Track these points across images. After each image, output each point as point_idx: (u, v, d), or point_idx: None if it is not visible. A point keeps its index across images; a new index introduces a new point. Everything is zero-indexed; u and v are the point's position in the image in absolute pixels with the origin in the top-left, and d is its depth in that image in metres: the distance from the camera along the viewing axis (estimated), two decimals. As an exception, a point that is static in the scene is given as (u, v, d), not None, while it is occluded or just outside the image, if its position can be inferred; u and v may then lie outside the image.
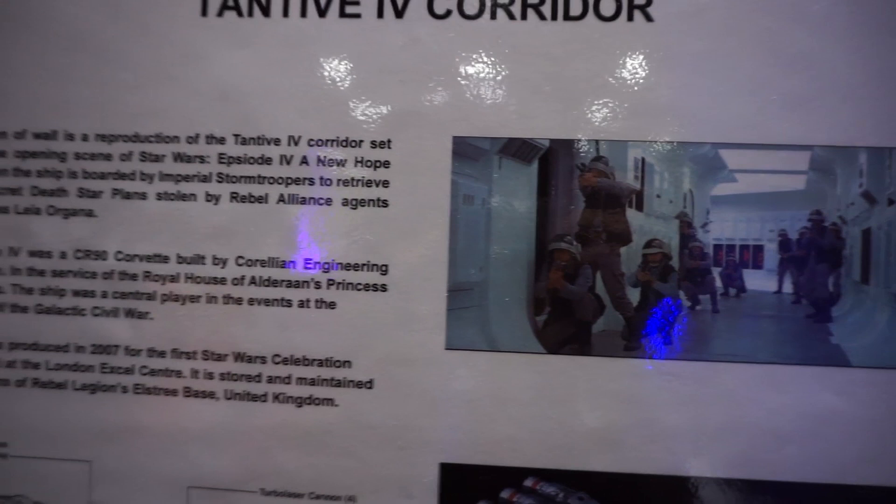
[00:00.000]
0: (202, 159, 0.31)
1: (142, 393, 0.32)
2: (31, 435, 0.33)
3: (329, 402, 0.31)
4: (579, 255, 0.30)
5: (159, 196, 0.32)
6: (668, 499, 0.30)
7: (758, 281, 0.30)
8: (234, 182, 0.31)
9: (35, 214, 0.32)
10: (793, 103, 0.30)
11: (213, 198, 0.32)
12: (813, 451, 0.30)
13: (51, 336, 0.32)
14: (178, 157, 0.32)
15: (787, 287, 0.30)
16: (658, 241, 0.30)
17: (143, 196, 0.32)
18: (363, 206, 0.31)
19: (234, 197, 0.31)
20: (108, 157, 0.32)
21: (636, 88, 0.30)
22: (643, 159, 0.30)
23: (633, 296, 0.30)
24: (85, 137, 0.32)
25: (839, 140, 0.29)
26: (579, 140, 0.30)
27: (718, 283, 0.30)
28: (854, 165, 0.29)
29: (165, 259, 0.32)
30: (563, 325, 0.31)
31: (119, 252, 0.32)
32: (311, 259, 0.31)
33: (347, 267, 0.31)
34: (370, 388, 0.31)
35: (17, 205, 0.32)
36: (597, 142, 0.30)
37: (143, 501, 0.32)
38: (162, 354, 0.32)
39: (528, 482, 0.31)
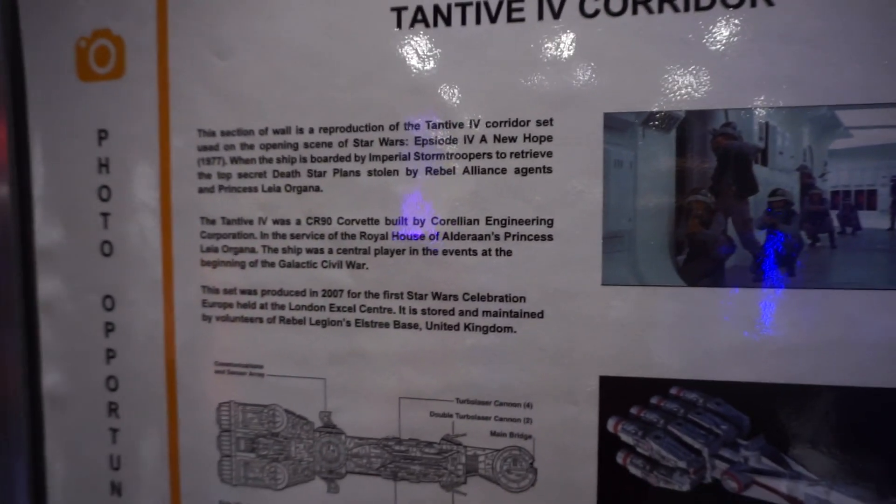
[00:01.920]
0: (402, 142, 0.40)
1: (361, 326, 0.42)
2: (280, 359, 0.43)
3: (509, 329, 0.40)
4: (713, 204, 0.37)
5: (370, 173, 0.41)
6: (792, 404, 0.37)
7: (872, 220, 0.35)
8: (427, 159, 0.40)
9: (276, 192, 0.43)
10: (901, 67, 0.35)
11: (411, 172, 0.40)
12: (925, 362, 0.35)
13: (292, 284, 0.43)
14: (384, 142, 0.40)
15: (899, 224, 0.35)
16: (781, 190, 0.36)
17: (357, 174, 0.41)
18: (531, 172, 0.39)
19: (428, 171, 0.40)
20: (329, 144, 0.41)
21: (759, 63, 0.36)
22: (767, 123, 0.36)
23: (760, 237, 0.37)
24: (311, 130, 0.42)
25: (945, 96, 0.34)
26: (711, 109, 0.37)
27: (836, 223, 0.36)
28: (959, 117, 0.34)
29: (376, 222, 0.41)
30: (700, 262, 0.37)
31: (340, 217, 0.42)
32: (490, 216, 0.39)
33: (520, 222, 0.39)
34: (541, 317, 0.39)
35: (263, 185, 0.43)
36: (726, 110, 0.36)
37: (365, 409, 0.42)
38: (376, 296, 0.42)
39: (673, 390, 0.38)
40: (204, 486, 0.45)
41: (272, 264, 0.43)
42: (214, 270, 0.44)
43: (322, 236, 0.42)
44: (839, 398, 0.36)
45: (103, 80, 0.45)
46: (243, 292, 0.44)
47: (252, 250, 0.43)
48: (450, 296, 0.40)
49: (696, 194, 0.37)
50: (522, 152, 0.39)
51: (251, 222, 0.43)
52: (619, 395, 0.39)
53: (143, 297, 0.45)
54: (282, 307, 0.43)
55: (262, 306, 0.43)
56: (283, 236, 0.43)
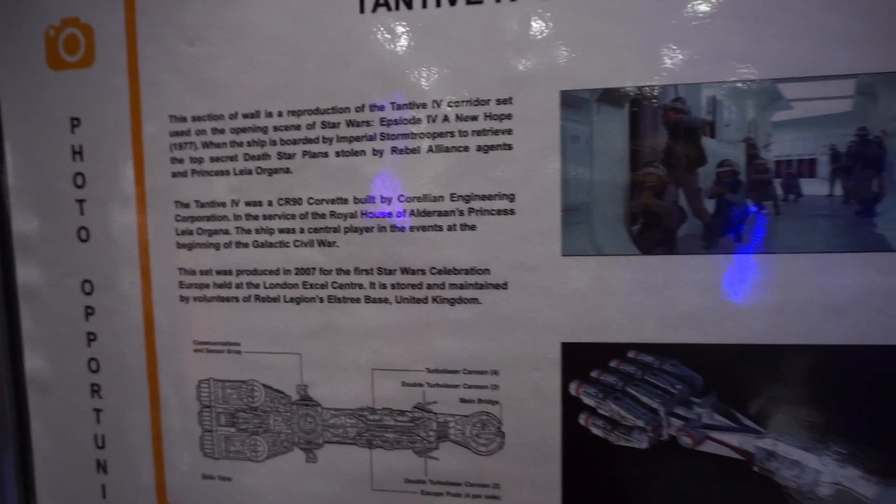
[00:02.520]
0: (368, 124, 0.42)
1: (334, 302, 0.43)
2: (256, 336, 0.45)
3: (474, 301, 0.41)
4: (665, 176, 0.39)
5: (338, 154, 0.42)
6: (741, 363, 0.39)
7: (813, 188, 0.37)
8: (393, 139, 0.41)
9: (248, 175, 0.44)
10: (841, 40, 0.36)
11: (378, 152, 0.42)
12: (861, 320, 0.37)
13: (265, 263, 0.44)
14: (350, 123, 0.42)
15: (838, 191, 0.37)
16: (728, 160, 0.38)
17: (325, 155, 0.42)
18: (493, 150, 0.40)
19: (394, 150, 0.41)
20: (297, 127, 0.43)
21: (708, 40, 0.37)
22: (714, 97, 0.38)
23: (710, 206, 0.39)
24: (280, 114, 0.43)
25: (881, 66, 0.36)
26: (662, 85, 0.38)
27: (780, 191, 0.38)
28: (893, 87, 0.36)
29: (345, 201, 0.43)
30: (654, 232, 0.39)
31: (311, 198, 0.43)
32: (455, 193, 0.41)
33: (483, 197, 0.41)
34: (505, 288, 0.41)
35: (235, 168, 0.44)
36: (675, 86, 0.38)
37: (339, 381, 0.44)
38: (347, 272, 0.43)
39: (630, 353, 0.40)
40: (187, 460, 0.47)
41: (246, 245, 0.44)
42: (190, 252, 0.45)
43: (293, 216, 0.43)
44: (785, 356, 0.38)
45: (74, 68, 0.46)
46: (219, 273, 0.45)
47: (226, 232, 0.45)
48: (417, 270, 0.42)
49: (648, 167, 0.39)
50: (484, 130, 0.40)
51: (224, 205, 0.44)
52: (580, 359, 0.41)
53: (122, 280, 0.47)
54: (256, 286, 0.44)
55: (238, 286, 0.45)
56: (256, 217, 0.44)
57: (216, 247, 0.45)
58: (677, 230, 0.39)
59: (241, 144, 0.44)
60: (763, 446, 0.39)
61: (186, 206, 0.45)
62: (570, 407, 0.41)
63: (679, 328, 0.39)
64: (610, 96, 0.39)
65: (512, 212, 0.40)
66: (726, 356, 0.39)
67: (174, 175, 0.45)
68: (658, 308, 0.39)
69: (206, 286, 0.45)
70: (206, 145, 0.44)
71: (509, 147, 0.40)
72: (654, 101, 0.38)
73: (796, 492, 0.39)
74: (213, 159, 0.44)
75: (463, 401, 0.42)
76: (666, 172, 0.39)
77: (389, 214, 0.42)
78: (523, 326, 0.41)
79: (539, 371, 0.41)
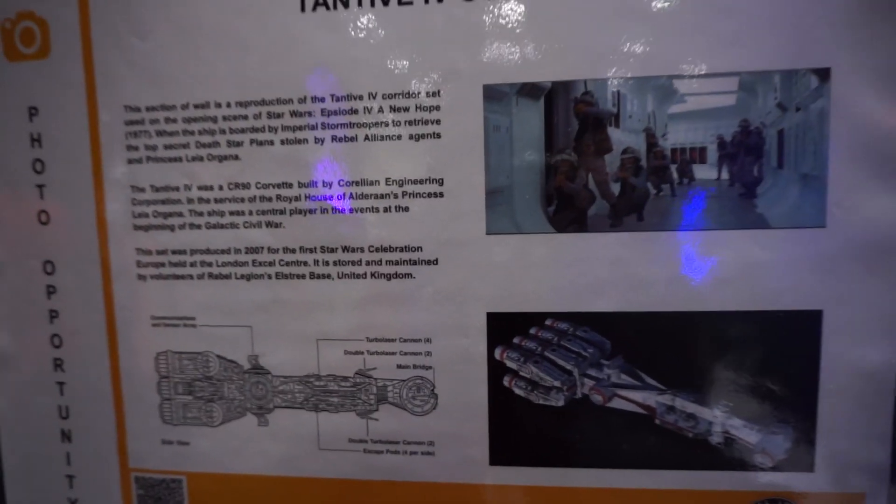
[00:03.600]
0: (310, 114, 0.45)
1: (281, 278, 0.47)
2: (210, 311, 0.49)
3: (409, 275, 0.46)
4: (576, 161, 0.43)
5: (282, 142, 0.46)
6: (644, 329, 0.44)
7: (703, 172, 0.42)
8: (333, 129, 0.45)
9: (199, 161, 0.47)
10: (725, 41, 0.41)
11: (319, 140, 0.45)
12: (743, 288, 0.43)
13: (217, 243, 0.48)
14: (293, 114, 0.45)
15: (725, 175, 0.42)
16: (631, 148, 0.43)
17: (271, 143, 0.46)
18: (423, 138, 0.44)
19: (334, 139, 0.45)
20: (245, 117, 0.46)
21: (613, 38, 0.42)
22: (618, 91, 0.43)
23: (615, 189, 0.43)
24: (228, 104, 0.46)
25: (759, 66, 0.41)
26: (572, 80, 0.43)
27: (675, 175, 0.43)
28: (770, 84, 0.41)
29: (290, 185, 0.46)
30: (567, 212, 0.44)
31: (258, 182, 0.47)
32: (389, 178, 0.45)
33: (415, 182, 0.45)
34: (436, 264, 0.45)
35: (187, 155, 0.47)
36: (585, 81, 0.43)
37: (287, 351, 0.48)
38: (293, 251, 0.47)
39: (548, 321, 0.45)
40: (147, 427, 0.50)
41: (199, 227, 0.48)
42: (146, 234, 0.49)
43: (243, 200, 0.47)
44: (679, 322, 0.43)
45: (30, 59, 0.48)
46: (174, 252, 0.48)
47: (180, 214, 0.48)
48: (357, 248, 0.46)
49: (561, 153, 0.43)
50: (415, 121, 0.44)
51: (178, 189, 0.48)
52: (503, 328, 0.45)
53: (81, 260, 0.50)
54: (209, 265, 0.48)
55: (192, 264, 0.48)
56: (208, 201, 0.47)
57: (171, 228, 0.48)
58: (587, 210, 0.44)
59: (192, 133, 0.47)
60: (663, 401, 0.44)
61: (142, 190, 0.48)
62: (495, 370, 0.46)
63: (590, 298, 0.44)
64: (527, 90, 0.43)
65: (441, 195, 0.45)
66: (630, 323, 0.44)
67: (129, 161, 0.48)
68: (571, 281, 0.44)
69: (163, 265, 0.49)
70: (159, 133, 0.47)
71: (438, 136, 0.44)
72: (566, 94, 0.43)
73: (692, 440, 0.45)
74: (167, 146, 0.47)
75: (399, 366, 0.47)
76: (577, 158, 0.43)
77: (331, 198, 0.46)
78: (453, 298, 0.45)
79: (467, 338, 0.46)
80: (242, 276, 0.48)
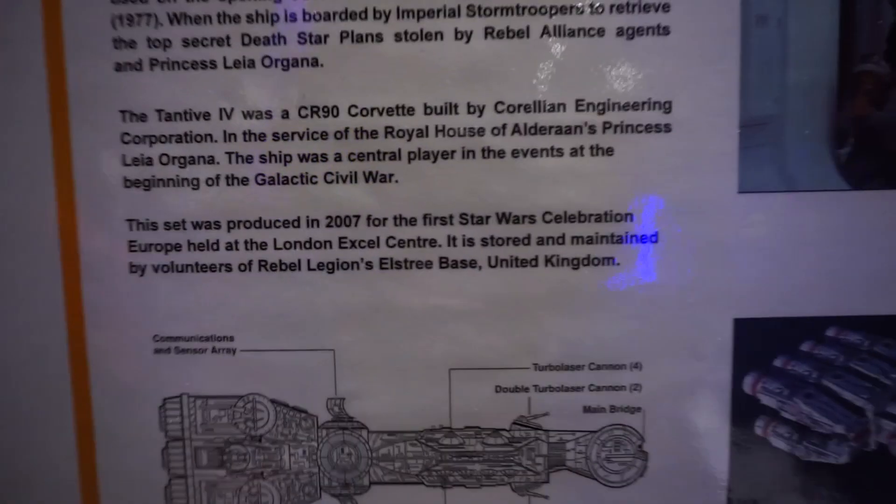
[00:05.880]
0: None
1: (391, 268, 0.28)
2: (260, 325, 0.29)
3: (609, 261, 0.28)
4: (888, 76, 0.27)
5: (398, 36, 0.27)
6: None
7: None
8: (486, 15, 0.27)
9: (248, 68, 0.28)
10: None
11: (462, 35, 0.27)
12: None
13: (276, 210, 0.28)
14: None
15: None
16: (973, 56, 0.27)
17: (378, 37, 0.27)
18: (641, 34, 0.27)
19: (490, 32, 0.27)
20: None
21: None
22: (955, -36, 0.27)
23: (943, 121, 0.28)
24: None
25: None
26: (883, -55, 0.27)
27: None
28: None
29: (410, 111, 0.27)
30: (869, 158, 0.28)
31: (354, 106, 0.28)
32: (582, 100, 0.27)
33: (626, 107, 0.27)
34: (655, 241, 0.28)
35: (226, 57, 0.27)
36: (901, -54, 0.27)
37: (397, 389, 0.29)
38: (411, 222, 0.28)
39: (830, 332, 0.29)
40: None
41: (244, 181, 0.27)
42: (148, 194, 0.28)
43: (325, 135, 0.27)
44: None
45: None
46: (198, 226, 0.28)
47: (211, 161, 0.28)
48: (523, 217, 0.27)
49: (866, 62, 0.27)
50: (628, 5, 0.27)
51: (207, 116, 0.28)
52: (759, 344, 0.28)
53: (21, 241, 0.29)
54: (262, 247, 0.28)
55: (230, 247, 0.28)
56: (262, 137, 0.27)
57: (193, 185, 0.28)
58: (899, 155, 0.28)
59: (235, 19, 0.27)
60: None
61: (142, 117, 0.28)
62: (743, 411, 0.29)
63: (896, 294, 0.28)
64: (811, -43, 0.27)
65: (668, 128, 0.27)
66: (958, 330, 0.28)
67: (119, 67, 0.27)
68: (870, 266, 0.28)
69: (177, 248, 0.28)
70: (176, 19, 0.27)
71: (665, 31, 0.27)
72: (874, -33, 0.27)
73: None
74: (189, 42, 0.27)
75: (588, 410, 0.29)
76: (890, 72, 0.27)
77: (480, 132, 0.27)
78: (679, 297, 0.28)
79: (700, 361, 0.28)
80: (321, 267, 0.28)
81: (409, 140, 0.28)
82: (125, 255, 0.28)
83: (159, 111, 0.28)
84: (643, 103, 0.27)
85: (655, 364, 0.29)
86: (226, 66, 0.27)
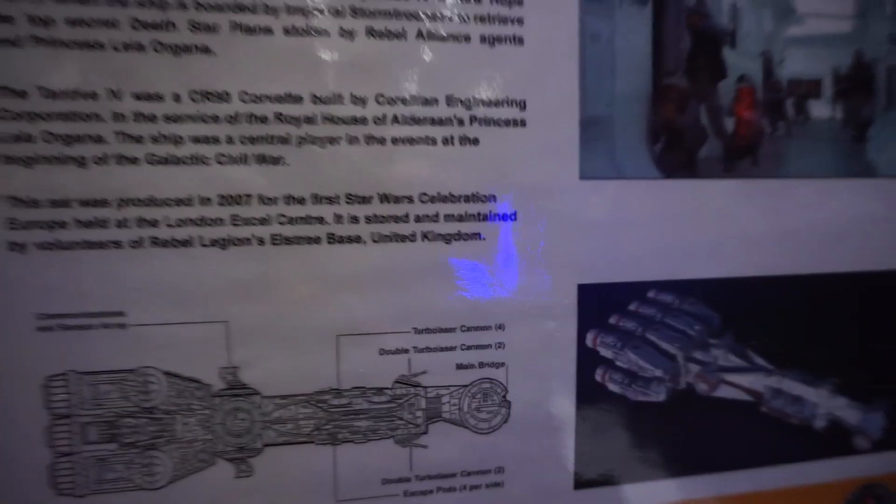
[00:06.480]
0: (332, -8, 0.30)
1: (281, 243, 0.31)
2: (153, 300, 0.30)
3: (475, 236, 0.32)
4: (688, 89, 0.34)
5: (287, 30, 0.30)
6: (755, 297, 0.36)
7: (818, 110, 0.36)
8: (368, 16, 0.30)
9: (138, 51, 0.28)
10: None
11: (347, 33, 0.30)
12: (855, 246, 0.37)
13: (168, 189, 0.29)
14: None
15: (839, 114, 0.36)
16: (747, 76, 0.35)
17: (268, 30, 0.29)
18: (500, 42, 0.32)
19: (371, 32, 0.30)
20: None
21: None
22: (735, 3, 0.34)
23: (729, 126, 0.35)
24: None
25: (871, -8, 0.36)
26: (685, -15, 0.34)
27: (791, 111, 0.36)
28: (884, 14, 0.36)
29: (298, 98, 0.30)
30: (676, 153, 0.35)
31: (245, 92, 0.29)
32: (452, 95, 0.31)
33: (488, 103, 0.32)
34: (514, 219, 0.33)
35: (114, 39, 0.28)
36: (697, -12, 0.34)
37: (288, 357, 0.31)
38: (300, 201, 0.31)
39: (650, 293, 0.35)
40: (24, 506, 0.29)
41: (134, 161, 0.28)
42: (29, 171, 0.28)
43: (216, 119, 0.29)
44: (789, 288, 0.37)
45: None
46: (85, 204, 0.28)
47: (99, 139, 0.28)
48: (401, 198, 0.31)
49: (672, 76, 0.34)
50: (489, 17, 0.31)
51: (95, 96, 0.28)
52: (597, 304, 0.34)
53: None
54: (153, 223, 0.29)
55: (120, 224, 0.29)
56: (152, 118, 0.28)
57: (79, 162, 0.28)
58: (697, 152, 0.35)
59: (124, 3, 0.28)
60: (770, 384, 0.37)
61: (21, 94, 0.28)
62: (585, 362, 0.34)
63: (699, 262, 0.35)
64: (634, -10, 0.33)
65: (522, 123, 0.32)
66: (742, 291, 0.36)
67: (-3, 44, 0.27)
68: (678, 240, 0.35)
69: (62, 225, 0.28)
70: None
71: (520, 41, 0.32)
72: (678, 1, 0.34)
73: (795, 428, 0.38)
74: (73, 21, 0.28)
75: (461, 367, 0.33)
76: (689, 85, 0.34)
77: (364, 121, 0.31)
78: (535, 267, 0.33)
79: (553, 321, 0.34)
80: (213, 243, 0.30)
81: (298, 126, 0.30)
82: (4, 233, 0.28)
83: (40, 88, 0.28)
84: (503, 101, 0.32)
85: (516, 324, 0.33)
86: (115, 49, 0.28)
